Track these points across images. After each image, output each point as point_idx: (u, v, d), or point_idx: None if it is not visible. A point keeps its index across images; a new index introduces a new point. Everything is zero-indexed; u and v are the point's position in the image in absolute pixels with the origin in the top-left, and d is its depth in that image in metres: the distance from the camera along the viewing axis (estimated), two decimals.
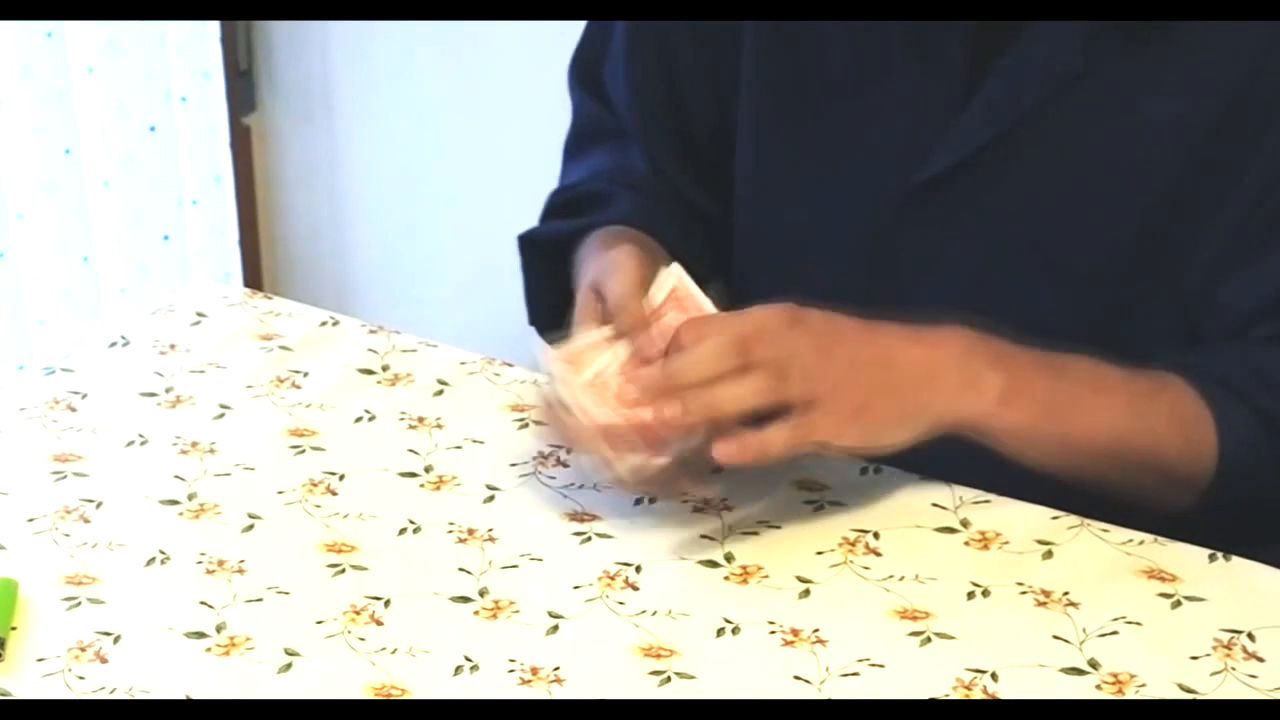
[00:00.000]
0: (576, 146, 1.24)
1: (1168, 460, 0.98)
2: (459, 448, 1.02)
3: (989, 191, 1.03)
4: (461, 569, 0.91)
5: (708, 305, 0.96)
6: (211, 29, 2.18)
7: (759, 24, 1.08)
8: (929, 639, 0.87)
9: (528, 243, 1.19)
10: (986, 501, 0.97)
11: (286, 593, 0.89)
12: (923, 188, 1.04)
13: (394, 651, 0.85)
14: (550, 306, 1.16)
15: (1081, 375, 0.97)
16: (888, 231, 1.06)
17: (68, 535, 0.93)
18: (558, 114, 1.27)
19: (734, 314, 0.94)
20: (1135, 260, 1.03)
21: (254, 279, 2.40)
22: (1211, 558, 0.93)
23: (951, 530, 0.95)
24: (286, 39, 2.35)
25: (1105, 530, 0.95)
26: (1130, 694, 0.83)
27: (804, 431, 0.90)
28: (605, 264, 1.00)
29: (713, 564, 0.92)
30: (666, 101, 1.16)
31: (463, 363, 1.11)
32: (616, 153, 1.20)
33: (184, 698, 0.82)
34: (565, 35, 1.24)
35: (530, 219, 1.21)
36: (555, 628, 0.87)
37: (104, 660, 0.84)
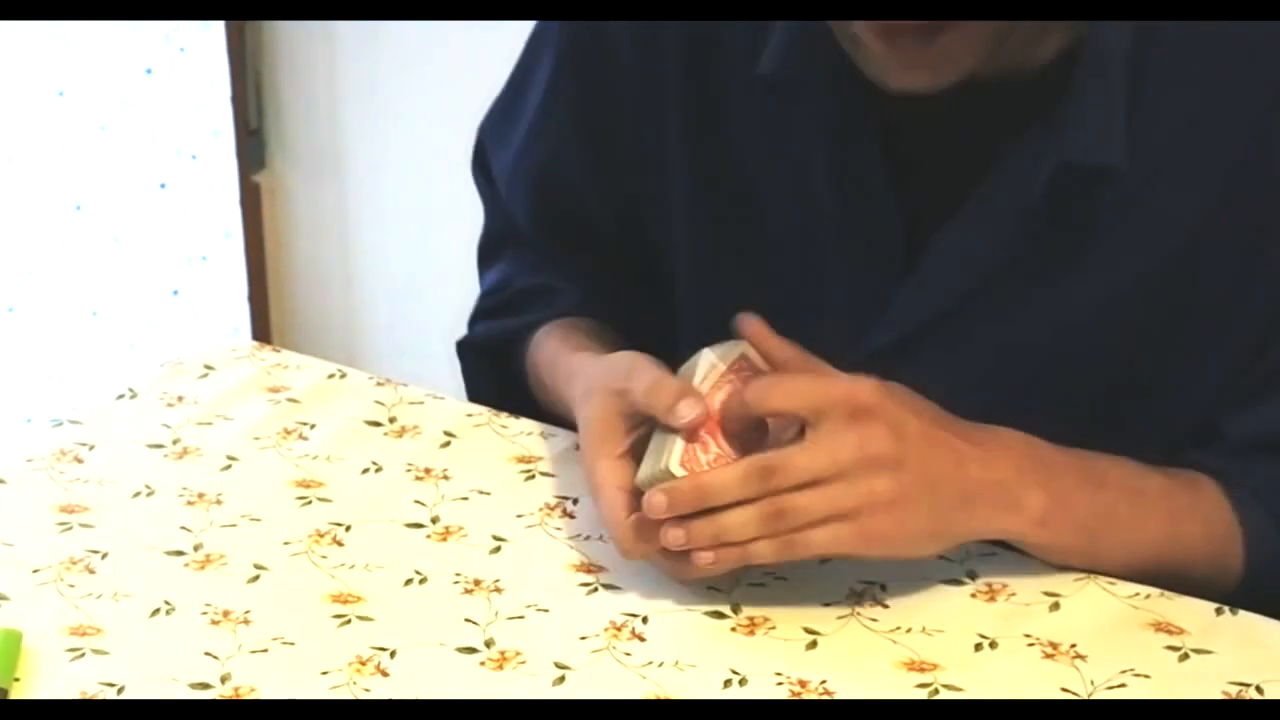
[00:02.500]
0: (494, 250, 1.23)
1: (1196, 572, 0.98)
2: (465, 499, 1.02)
3: (939, 361, 1.01)
4: (468, 619, 0.91)
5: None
6: (222, 88, 2.20)
7: (691, 175, 1.06)
8: (937, 690, 0.86)
9: (468, 348, 1.19)
10: (993, 554, 0.97)
11: (292, 643, 0.89)
12: (867, 360, 0.97)
13: None
14: (492, 406, 1.14)
15: (1121, 490, 0.96)
16: None
17: (72, 586, 0.93)
18: None
19: (811, 387, 0.90)
20: (1113, 402, 1.02)
21: (263, 334, 2.41)
22: (1219, 611, 0.93)
23: (958, 582, 0.95)
24: (296, 98, 2.37)
25: (1112, 584, 0.95)
26: None
27: (811, 548, 0.89)
28: (612, 366, 0.99)
29: (720, 615, 0.92)
30: (568, 222, 1.15)
31: (469, 415, 1.11)
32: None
33: None
34: None
35: None
36: (562, 678, 0.87)
37: None
